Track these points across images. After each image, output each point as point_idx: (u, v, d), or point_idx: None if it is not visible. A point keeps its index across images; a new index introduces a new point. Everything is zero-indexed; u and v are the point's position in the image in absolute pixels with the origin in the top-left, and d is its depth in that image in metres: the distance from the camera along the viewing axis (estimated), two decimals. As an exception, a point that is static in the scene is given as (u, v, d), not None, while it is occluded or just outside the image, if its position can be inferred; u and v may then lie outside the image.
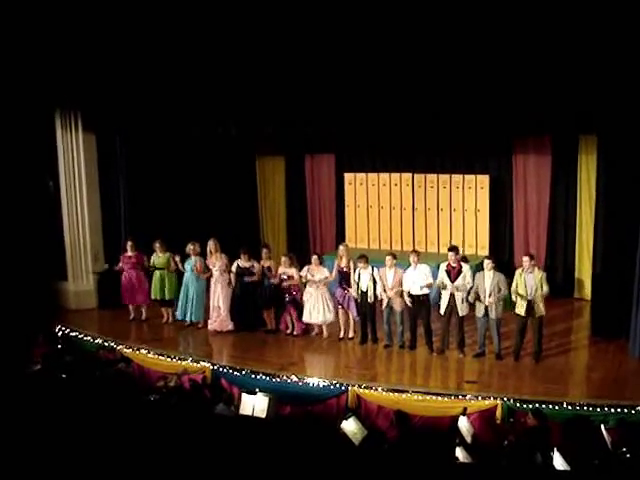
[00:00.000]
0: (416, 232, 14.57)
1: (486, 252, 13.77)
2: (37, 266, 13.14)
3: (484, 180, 13.88)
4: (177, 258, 12.46)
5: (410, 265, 10.87)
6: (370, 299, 11.10)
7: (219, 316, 12.12)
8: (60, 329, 12.10)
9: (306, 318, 11.64)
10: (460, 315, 10.63)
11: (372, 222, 14.96)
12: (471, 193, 13.97)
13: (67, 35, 11.36)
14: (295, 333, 11.84)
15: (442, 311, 10.73)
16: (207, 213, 14.22)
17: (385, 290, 10.96)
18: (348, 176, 15.15)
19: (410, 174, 14.49)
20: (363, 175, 14.98)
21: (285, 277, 11.66)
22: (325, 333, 11.69)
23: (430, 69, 10.31)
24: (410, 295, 10.82)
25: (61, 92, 12.76)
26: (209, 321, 12.24)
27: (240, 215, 15.40)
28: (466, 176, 14.01)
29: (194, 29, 10.89)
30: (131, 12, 10.83)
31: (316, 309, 11.46)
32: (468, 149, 13.93)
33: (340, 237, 15.38)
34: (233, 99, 11.82)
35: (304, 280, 11.53)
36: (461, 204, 14.08)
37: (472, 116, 10.89)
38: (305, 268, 11.55)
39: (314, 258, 11.61)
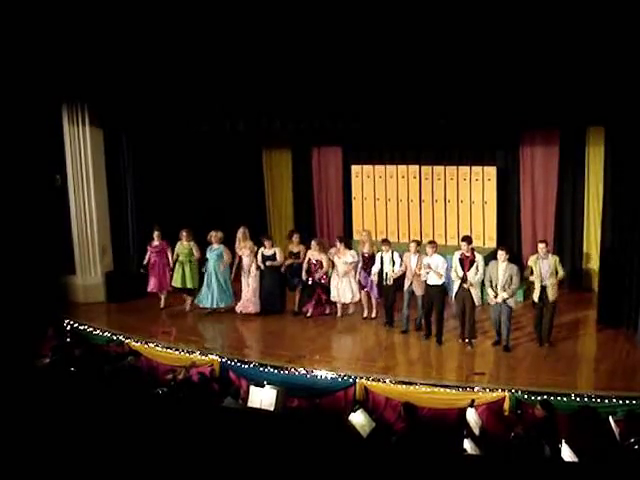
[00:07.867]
0: (423, 224, 14.52)
1: (494, 244, 13.72)
2: (45, 260, 13.18)
3: (491, 172, 13.81)
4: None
5: (426, 255, 11.01)
6: (389, 281, 11.36)
7: (244, 299, 12.45)
8: (69, 323, 12.15)
9: (334, 297, 12.02)
10: (476, 304, 10.70)
11: (379, 214, 14.91)
12: (478, 185, 13.91)
13: (73, 28, 11.38)
14: (312, 315, 12.23)
15: (452, 296, 10.87)
16: (214, 206, 14.23)
17: (407, 274, 11.19)
18: (355, 168, 15.10)
19: (417, 166, 14.43)
20: (370, 167, 14.92)
21: (314, 262, 11.97)
22: (339, 312, 12.14)
23: (437, 62, 10.28)
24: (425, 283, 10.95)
25: (68, 86, 12.76)
26: (238, 303, 12.53)
27: (247, 208, 15.38)
28: (473, 168, 13.95)
29: (200, 24, 10.89)
30: (139, 7, 10.84)
31: (342, 288, 11.88)
32: (475, 141, 13.87)
33: (347, 229, 15.37)
34: (240, 94, 11.82)
35: (329, 264, 11.96)
36: (468, 196, 14.02)
37: (479, 109, 10.86)
38: (331, 250, 12.02)
39: (338, 243, 12.06)
